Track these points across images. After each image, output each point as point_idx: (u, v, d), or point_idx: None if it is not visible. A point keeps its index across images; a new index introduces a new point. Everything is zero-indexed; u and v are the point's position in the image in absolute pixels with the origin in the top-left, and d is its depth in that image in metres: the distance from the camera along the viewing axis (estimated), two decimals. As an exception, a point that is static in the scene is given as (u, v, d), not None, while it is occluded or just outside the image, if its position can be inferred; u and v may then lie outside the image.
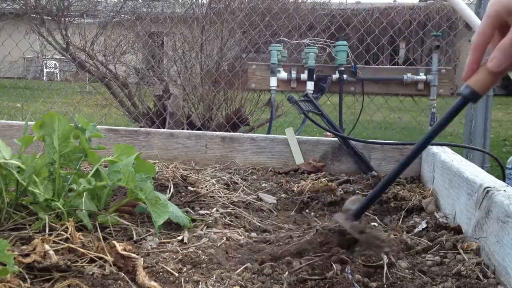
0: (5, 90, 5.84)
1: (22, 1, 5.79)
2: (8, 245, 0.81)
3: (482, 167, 2.30)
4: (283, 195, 1.59)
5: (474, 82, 0.96)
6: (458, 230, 1.18)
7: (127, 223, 1.16)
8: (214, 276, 0.91)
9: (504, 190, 1.02)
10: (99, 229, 1.06)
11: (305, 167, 1.90)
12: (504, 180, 1.34)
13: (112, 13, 6.08)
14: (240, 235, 1.17)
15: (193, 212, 1.33)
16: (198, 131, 2.04)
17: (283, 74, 3.93)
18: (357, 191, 1.63)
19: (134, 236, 1.10)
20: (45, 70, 12.98)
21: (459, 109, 1.01)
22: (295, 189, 1.63)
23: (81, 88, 6.17)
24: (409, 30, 5.30)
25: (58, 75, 13.10)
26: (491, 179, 1.16)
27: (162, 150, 1.99)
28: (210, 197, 1.48)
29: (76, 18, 5.96)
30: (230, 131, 4.11)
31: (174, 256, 1.00)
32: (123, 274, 0.89)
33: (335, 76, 3.92)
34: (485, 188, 1.06)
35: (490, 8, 0.90)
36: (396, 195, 1.52)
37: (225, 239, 1.13)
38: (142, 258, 0.93)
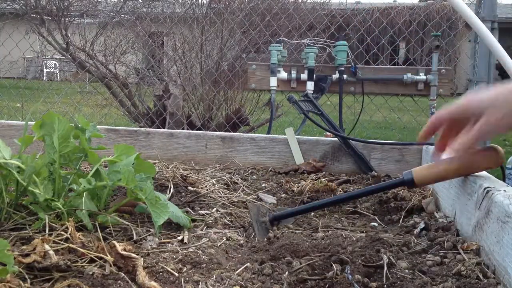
0: (5, 90, 5.84)
1: (22, 1, 5.79)
2: (8, 245, 0.81)
3: (482, 167, 2.29)
4: (283, 195, 1.59)
5: (417, 174, 1.18)
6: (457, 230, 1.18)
7: (127, 223, 1.16)
8: (214, 276, 0.91)
9: (504, 190, 1.02)
10: (99, 229, 1.06)
11: (305, 167, 1.90)
12: (504, 180, 1.33)
13: (112, 13, 6.08)
14: (240, 235, 1.17)
15: (193, 212, 1.33)
16: (198, 131, 2.04)
17: (283, 74, 3.93)
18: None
19: (134, 236, 1.10)
20: (45, 70, 12.98)
21: (391, 187, 1.28)
22: (295, 189, 1.63)
23: (81, 88, 6.17)
24: (409, 30, 5.30)
25: (58, 75, 13.10)
26: (491, 179, 1.16)
27: (162, 150, 1.99)
28: (210, 197, 1.48)
29: (76, 18, 5.96)
30: (230, 131, 4.11)
31: (174, 256, 1.00)
32: (123, 274, 0.89)
33: (335, 76, 3.92)
34: (485, 188, 1.06)
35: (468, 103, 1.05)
36: (396, 195, 1.52)
37: (225, 239, 1.13)
38: (142, 258, 0.93)
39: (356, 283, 0.90)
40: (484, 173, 1.24)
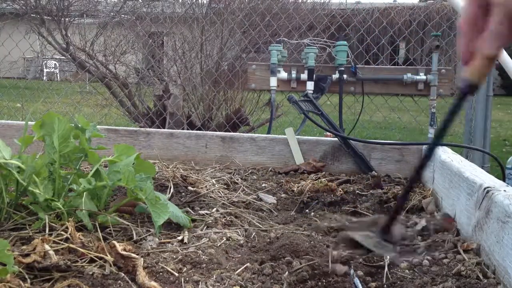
0: (5, 90, 5.84)
1: (22, 1, 5.79)
2: (8, 245, 0.81)
3: (482, 167, 2.30)
4: (283, 195, 1.59)
5: (470, 73, 0.92)
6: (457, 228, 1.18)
7: (127, 223, 1.16)
8: (214, 276, 0.91)
9: (504, 190, 1.02)
10: (99, 229, 1.06)
11: (305, 167, 1.90)
12: (504, 180, 1.34)
13: (112, 13, 6.07)
14: (240, 235, 1.17)
15: (193, 212, 1.33)
16: (198, 131, 2.04)
17: (283, 74, 3.93)
18: (357, 191, 1.63)
19: (134, 236, 1.10)
20: (45, 70, 12.98)
21: (459, 106, 1.02)
22: (295, 189, 1.63)
23: (81, 88, 6.17)
24: (409, 30, 5.30)
25: (58, 75, 13.10)
26: (491, 179, 1.16)
27: (162, 150, 1.99)
28: (210, 197, 1.48)
29: (76, 18, 5.96)
30: (230, 131, 4.11)
31: (174, 256, 1.00)
32: (123, 274, 0.89)
33: (335, 76, 3.92)
34: (485, 188, 1.06)
35: None
36: (396, 195, 1.52)
37: (225, 239, 1.13)
38: (142, 258, 0.93)
39: (358, 277, 0.90)
40: (484, 173, 1.24)
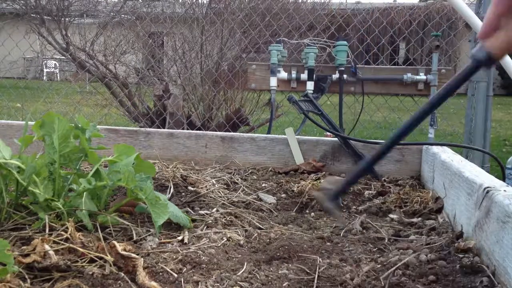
0: (5, 90, 5.85)
1: (22, 1, 5.79)
2: (8, 245, 0.81)
3: (482, 167, 2.30)
4: (283, 195, 1.59)
5: (491, 44, 0.89)
6: (458, 231, 1.18)
7: (127, 223, 1.16)
8: (214, 276, 0.91)
9: (504, 190, 1.02)
10: (99, 229, 1.06)
11: (305, 167, 1.90)
12: (504, 180, 1.33)
13: (112, 13, 6.08)
14: (240, 235, 1.17)
15: (193, 212, 1.33)
16: (198, 131, 2.04)
17: (283, 74, 3.93)
18: (357, 191, 1.63)
19: (134, 236, 1.10)
20: (45, 70, 12.99)
21: (469, 75, 0.94)
22: (295, 189, 1.63)
23: (81, 88, 6.17)
24: (409, 30, 5.30)
25: (58, 75, 13.10)
26: (491, 179, 1.16)
27: (162, 150, 1.99)
28: (210, 197, 1.48)
29: (76, 18, 5.96)
30: (230, 131, 4.10)
31: (174, 256, 1.00)
32: (123, 274, 0.89)
33: (335, 76, 3.92)
34: (485, 188, 1.06)
35: None
36: (399, 197, 1.51)
37: (225, 239, 1.13)
38: (142, 258, 0.93)
39: (361, 283, 0.90)
40: (484, 173, 1.24)
